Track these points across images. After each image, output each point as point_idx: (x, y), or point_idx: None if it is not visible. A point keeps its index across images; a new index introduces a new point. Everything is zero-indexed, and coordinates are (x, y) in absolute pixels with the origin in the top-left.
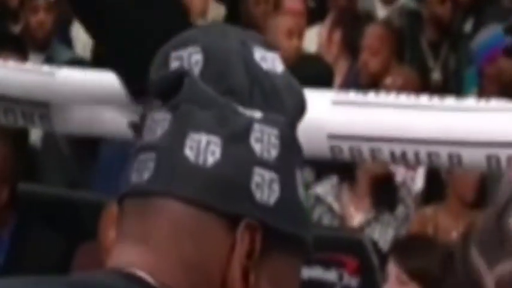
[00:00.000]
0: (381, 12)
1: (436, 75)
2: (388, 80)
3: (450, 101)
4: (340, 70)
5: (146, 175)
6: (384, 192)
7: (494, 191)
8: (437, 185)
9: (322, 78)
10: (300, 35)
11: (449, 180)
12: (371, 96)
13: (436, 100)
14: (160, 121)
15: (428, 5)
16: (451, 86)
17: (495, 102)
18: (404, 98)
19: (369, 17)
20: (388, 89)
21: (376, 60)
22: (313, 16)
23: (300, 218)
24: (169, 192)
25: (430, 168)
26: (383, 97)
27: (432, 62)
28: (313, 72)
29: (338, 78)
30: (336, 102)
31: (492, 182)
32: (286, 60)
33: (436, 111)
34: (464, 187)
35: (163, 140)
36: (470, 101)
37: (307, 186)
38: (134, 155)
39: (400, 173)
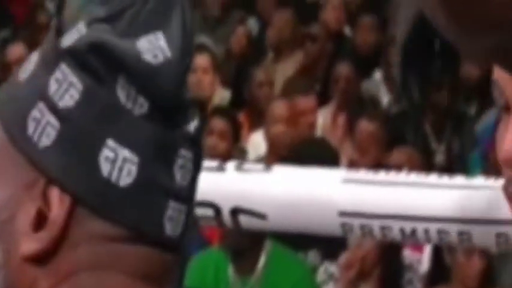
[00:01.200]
0: (385, 97)
1: (439, 158)
2: (392, 160)
3: (459, 179)
4: (345, 153)
5: None
6: (392, 274)
7: (502, 274)
8: (443, 268)
9: (327, 160)
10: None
11: (453, 264)
12: (381, 174)
13: (445, 178)
14: None
15: (426, 93)
16: (455, 168)
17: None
18: (414, 176)
19: (372, 101)
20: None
21: (368, 156)
22: (318, 100)
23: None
24: None
25: (436, 251)
26: (393, 175)
27: (436, 144)
28: (318, 154)
29: (344, 161)
30: (346, 180)
31: (499, 265)
32: (292, 143)
33: (445, 189)
34: (469, 272)
35: None
36: (480, 180)
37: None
38: None
39: (407, 255)
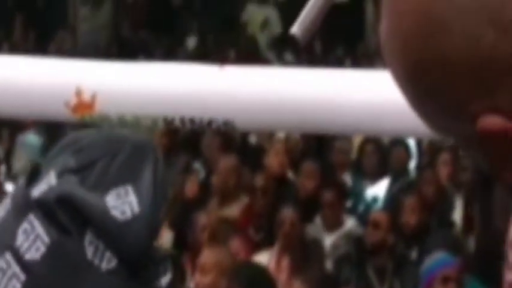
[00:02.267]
0: (328, 239)
1: None
2: None
3: None
4: None
5: None
6: None
7: None
8: None
9: None
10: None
11: None
12: None
13: None
14: None
15: (369, 234)
16: None
17: None
18: None
19: (315, 243)
20: None
21: None
22: (262, 243)
23: None
24: None
25: None
26: None
27: (379, 286)
28: None
29: None
30: None
31: None
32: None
33: None
34: None
35: None
36: None
37: None
38: None
39: None
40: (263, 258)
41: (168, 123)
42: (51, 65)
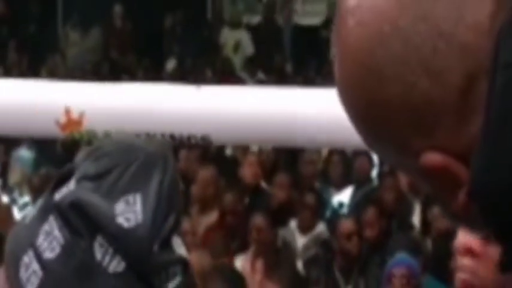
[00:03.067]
0: (300, 240)
1: None
2: None
3: None
4: None
5: None
6: None
7: None
8: None
9: None
10: None
11: None
12: None
13: None
14: None
15: (338, 239)
16: None
17: None
18: None
19: (287, 247)
20: None
21: None
22: (237, 248)
23: None
24: None
25: None
26: None
27: (344, 285)
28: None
29: None
30: None
31: None
32: None
33: None
34: None
35: None
36: None
37: None
38: None
39: None
40: (238, 261)
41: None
42: (42, 87)
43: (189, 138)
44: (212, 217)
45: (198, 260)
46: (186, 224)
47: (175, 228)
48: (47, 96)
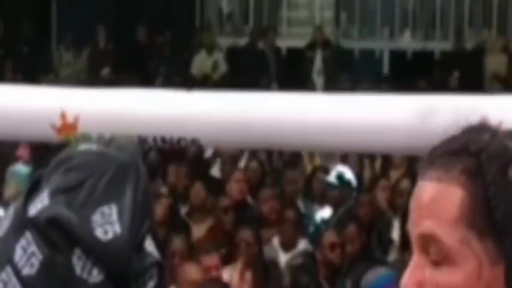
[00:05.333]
0: (283, 257)
1: None
2: None
3: None
4: None
5: None
6: None
7: None
8: None
9: None
10: None
11: None
12: None
13: None
14: None
15: (321, 251)
16: None
17: None
18: None
19: (272, 263)
20: None
21: None
22: (224, 259)
23: None
24: None
25: None
26: None
27: None
28: None
29: None
30: None
31: None
32: None
33: None
34: None
35: None
36: None
37: None
38: None
39: None
40: (226, 273)
41: (142, 141)
42: (39, 92)
43: (179, 141)
44: (201, 231)
45: (189, 272)
46: (177, 240)
47: (149, 231)
48: (43, 101)
